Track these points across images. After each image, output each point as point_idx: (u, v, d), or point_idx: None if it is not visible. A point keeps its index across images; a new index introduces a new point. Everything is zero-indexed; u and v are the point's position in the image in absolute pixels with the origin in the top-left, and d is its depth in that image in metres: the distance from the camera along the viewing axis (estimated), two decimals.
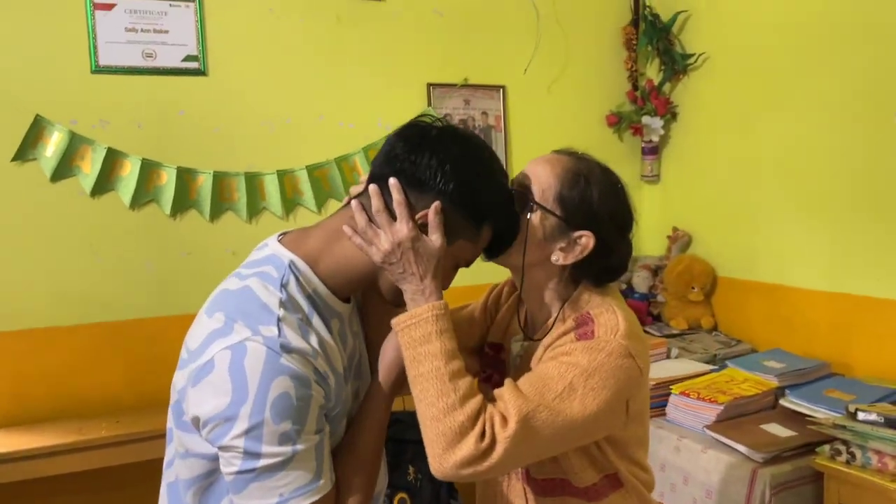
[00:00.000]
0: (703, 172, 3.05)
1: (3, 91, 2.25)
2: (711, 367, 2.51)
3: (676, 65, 3.05)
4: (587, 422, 1.10)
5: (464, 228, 1.08)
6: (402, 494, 2.51)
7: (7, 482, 2.09)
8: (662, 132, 3.12)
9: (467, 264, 1.15)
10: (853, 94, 2.41)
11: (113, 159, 2.36)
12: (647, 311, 3.06)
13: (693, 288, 2.93)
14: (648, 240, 3.30)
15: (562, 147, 1.31)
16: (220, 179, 2.50)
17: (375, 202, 1.04)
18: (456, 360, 1.08)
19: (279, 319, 0.98)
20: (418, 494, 2.42)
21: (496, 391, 1.12)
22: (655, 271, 3.13)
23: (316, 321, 1.04)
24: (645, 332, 2.81)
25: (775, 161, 2.71)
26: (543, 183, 1.21)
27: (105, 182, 2.36)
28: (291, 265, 1.05)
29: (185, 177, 2.45)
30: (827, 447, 1.87)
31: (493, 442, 1.03)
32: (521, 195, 1.20)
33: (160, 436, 2.16)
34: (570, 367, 1.12)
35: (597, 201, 1.21)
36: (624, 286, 3.11)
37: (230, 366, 0.94)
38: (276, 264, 1.05)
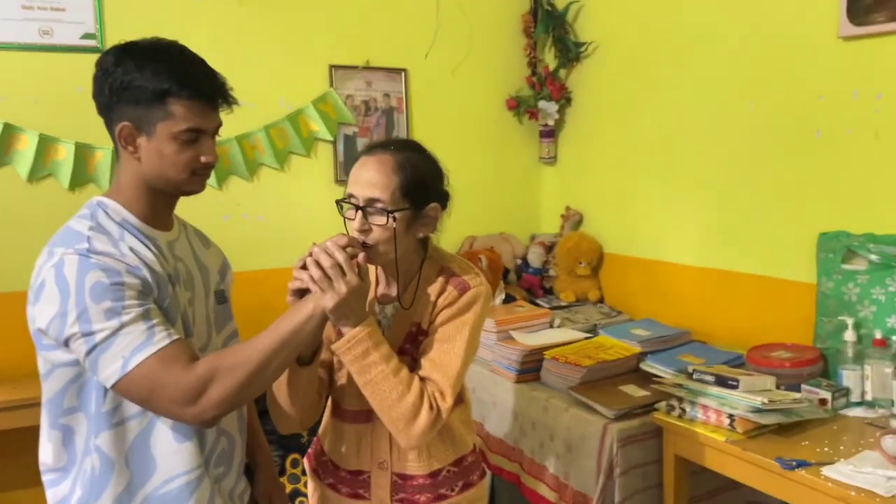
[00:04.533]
0: (594, 155, 3.25)
1: None
2: (587, 335, 2.71)
3: (570, 52, 3.22)
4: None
5: (152, 116, 1.25)
6: (294, 455, 2.66)
7: None
8: (557, 116, 3.30)
9: (190, 133, 1.27)
10: (713, 85, 2.62)
11: (9, 134, 2.42)
12: (539, 285, 3.25)
13: (580, 263, 3.13)
14: (546, 218, 3.49)
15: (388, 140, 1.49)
16: None
17: (328, 260, 1.28)
18: (393, 360, 1.35)
19: (88, 238, 1.22)
20: None
21: (425, 372, 1.40)
22: (550, 248, 3.32)
23: (128, 238, 1.27)
24: (535, 304, 3.04)
25: (651, 145, 2.92)
26: (384, 186, 1.38)
27: (2, 156, 2.42)
28: (99, 203, 1.31)
29: (84, 152, 2.53)
30: (664, 403, 2.08)
31: (440, 410, 1.36)
32: (375, 207, 1.37)
33: None
34: (464, 325, 1.43)
35: (427, 175, 1.45)
36: (519, 262, 3.29)
37: (55, 277, 1.19)
38: (88, 206, 1.32)
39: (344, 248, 1.30)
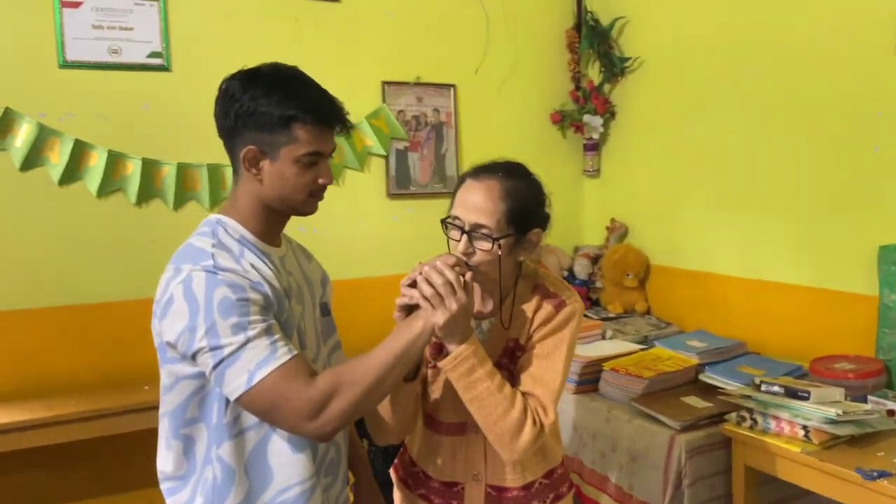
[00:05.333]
0: (639, 168, 3.29)
1: None
2: (641, 346, 2.75)
3: (615, 67, 3.27)
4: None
5: (277, 140, 1.29)
6: None
7: None
8: (602, 130, 3.34)
9: (312, 157, 1.31)
10: (764, 98, 2.66)
11: (80, 150, 2.47)
12: (586, 297, 3.28)
13: (628, 275, 3.16)
14: (590, 230, 3.53)
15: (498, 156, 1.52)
16: (183, 170, 2.63)
17: (440, 278, 1.31)
18: (497, 376, 1.38)
19: (212, 255, 1.27)
20: (372, 465, 2.59)
21: (526, 388, 1.43)
22: (595, 259, 3.35)
23: (248, 255, 1.31)
24: (583, 316, 3.06)
25: (698, 159, 2.96)
26: (491, 213, 1.41)
27: (73, 172, 2.48)
28: (218, 221, 1.35)
29: (150, 167, 2.58)
30: (734, 415, 2.11)
31: (543, 425, 1.40)
32: (480, 232, 1.41)
33: (126, 411, 2.35)
34: (561, 341, 1.46)
35: (531, 203, 1.47)
36: (565, 273, 3.33)
37: (184, 293, 1.23)
38: (208, 224, 1.36)
39: (453, 266, 1.34)
